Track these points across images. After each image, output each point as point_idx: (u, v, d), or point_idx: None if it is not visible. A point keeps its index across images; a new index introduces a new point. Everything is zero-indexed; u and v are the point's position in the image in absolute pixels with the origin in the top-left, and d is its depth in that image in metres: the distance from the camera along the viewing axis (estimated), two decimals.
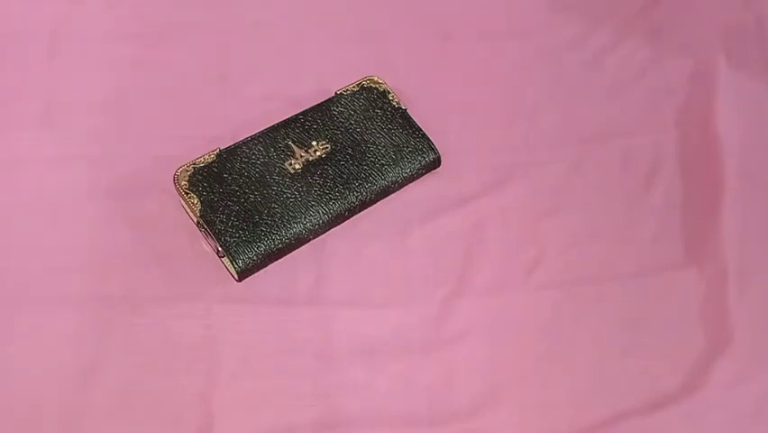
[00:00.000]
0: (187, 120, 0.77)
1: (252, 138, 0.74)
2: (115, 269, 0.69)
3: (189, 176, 0.70)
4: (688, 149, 0.79)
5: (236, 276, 0.69)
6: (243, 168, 0.72)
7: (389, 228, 0.73)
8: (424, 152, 0.75)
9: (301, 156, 0.74)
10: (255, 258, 0.68)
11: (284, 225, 0.70)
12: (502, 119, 0.81)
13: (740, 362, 0.66)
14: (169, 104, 0.77)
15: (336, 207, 0.71)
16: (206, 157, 0.72)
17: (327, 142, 0.75)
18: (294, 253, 0.71)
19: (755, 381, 0.66)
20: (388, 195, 0.74)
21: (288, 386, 0.65)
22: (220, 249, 0.68)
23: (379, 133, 0.76)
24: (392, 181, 0.74)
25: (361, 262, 0.71)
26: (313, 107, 0.77)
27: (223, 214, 0.69)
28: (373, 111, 0.77)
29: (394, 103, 0.78)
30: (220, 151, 0.73)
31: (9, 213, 0.71)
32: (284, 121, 0.76)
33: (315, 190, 0.71)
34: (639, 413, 0.64)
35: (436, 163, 0.76)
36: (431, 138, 0.76)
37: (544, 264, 0.71)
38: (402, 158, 0.75)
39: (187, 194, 0.69)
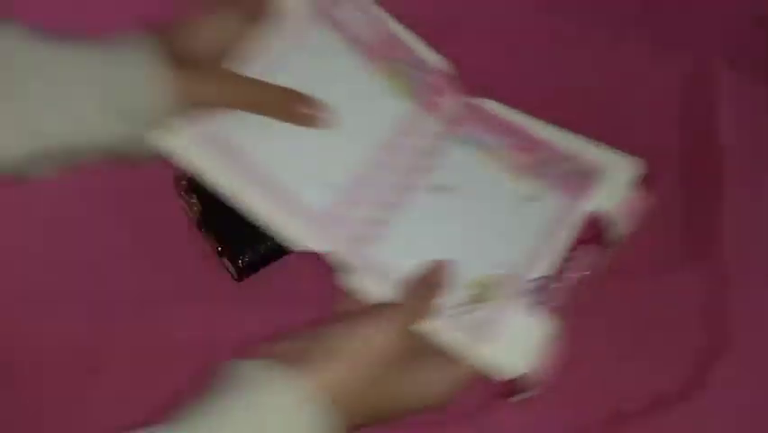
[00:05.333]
0: None
1: None
2: (115, 269, 0.69)
3: (189, 176, 0.70)
4: (688, 149, 0.79)
5: (236, 276, 0.69)
6: None
7: None
8: None
9: None
10: (255, 258, 0.68)
11: None
12: None
13: (740, 362, 0.66)
14: None
15: None
16: None
17: None
18: (294, 252, 0.70)
19: (755, 381, 0.66)
20: None
21: None
22: (219, 249, 0.68)
23: None
24: None
25: None
26: None
27: (222, 214, 0.69)
28: None
29: None
30: None
31: (8, 212, 0.71)
32: None
33: None
34: (639, 413, 0.64)
35: None
36: None
37: None
38: None
39: (187, 194, 0.69)
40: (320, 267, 0.70)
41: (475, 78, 0.83)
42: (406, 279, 0.45)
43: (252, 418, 0.38)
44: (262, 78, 0.45)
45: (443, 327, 0.44)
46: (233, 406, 0.39)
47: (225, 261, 0.69)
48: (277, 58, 0.46)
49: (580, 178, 0.48)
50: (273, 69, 0.45)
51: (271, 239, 0.69)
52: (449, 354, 0.45)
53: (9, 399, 0.63)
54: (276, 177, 0.45)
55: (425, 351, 0.45)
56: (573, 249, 0.47)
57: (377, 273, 0.46)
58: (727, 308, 0.69)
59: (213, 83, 0.44)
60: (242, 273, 0.69)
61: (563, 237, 0.46)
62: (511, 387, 0.46)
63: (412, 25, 0.85)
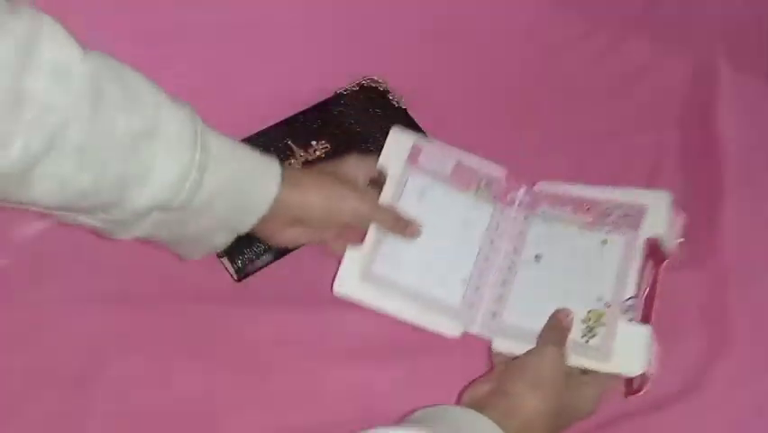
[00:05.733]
0: None
1: (252, 138, 0.74)
2: (115, 269, 0.69)
3: None
4: (688, 148, 0.79)
5: (236, 276, 0.69)
6: None
7: None
8: None
9: (301, 156, 0.73)
10: (254, 258, 0.68)
11: None
12: (503, 119, 0.81)
13: (740, 362, 0.66)
14: None
15: None
16: None
17: (327, 142, 0.74)
18: (294, 252, 0.71)
19: (755, 381, 0.66)
20: None
21: (288, 386, 0.65)
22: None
23: (379, 132, 0.76)
24: None
25: None
26: (313, 107, 0.77)
27: None
28: (373, 111, 0.77)
29: (394, 103, 0.78)
30: None
31: (9, 213, 0.71)
32: (284, 120, 0.76)
33: None
34: (639, 413, 0.64)
35: None
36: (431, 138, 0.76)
37: None
38: None
39: None
40: (318, 267, 0.71)
41: (475, 77, 0.83)
42: (545, 325, 0.59)
43: None
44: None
45: (576, 355, 0.58)
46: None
47: (225, 261, 0.69)
48: (393, 198, 0.63)
49: (631, 217, 0.61)
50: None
51: None
52: (591, 374, 0.57)
53: (7, 391, 0.63)
54: (424, 292, 0.61)
55: (574, 374, 0.58)
56: (644, 269, 0.60)
57: (514, 334, 0.60)
58: (727, 308, 0.69)
59: (365, 200, 0.62)
60: (242, 273, 0.68)
61: (636, 263, 0.59)
62: (633, 385, 0.58)
63: (418, 25, 0.85)
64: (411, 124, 0.76)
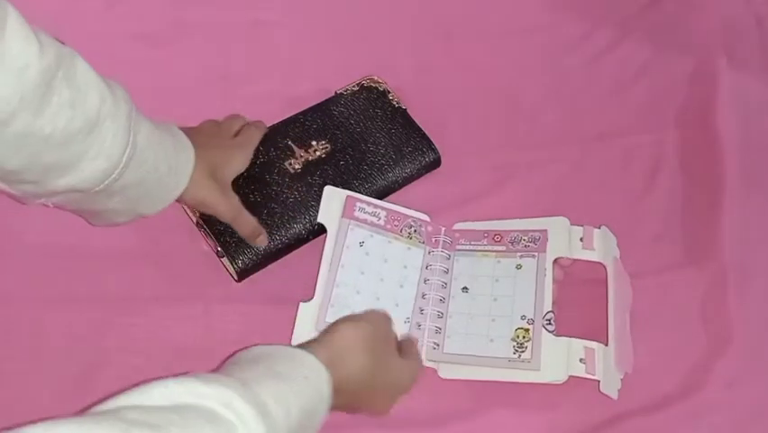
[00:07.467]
0: (187, 120, 0.76)
1: None
2: (115, 269, 0.69)
3: None
4: (688, 148, 0.79)
5: (236, 276, 0.69)
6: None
7: None
8: (424, 152, 0.75)
9: (301, 156, 0.73)
10: (255, 258, 0.68)
11: (284, 225, 0.69)
12: (502, 119, 0.81)
13: (740, 362, 0.66)
14: (168, 103, 0.77)
15: None
16: None
17: (327, 142, 0.74)
18: (294, 252, 0.71)
19: (755, 381, 0.66)
20: (388, 195, 0.74)
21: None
22: (219, 249, 0.68)
23: (379, 132, 0.76)
24: (392, 181, 0.74)
25: None
26: (313, 107, 0.77)
27: None
28: (373, 111, 0.77)
29: (394, 103, 0.77)
30: None
31: (9, 212, 0.71)
32: (284, 121, 0.75)
33: (315, 190, 0.71)
34: (639, 413, 0.64)
35: (436, 163, 0.76)
36: (431, 138, 0.76)
37: None
38: (402, 158, 0.75)
39: None
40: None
41: (475, 77, 0.83)
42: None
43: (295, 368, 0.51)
44: (332, 269, 0.67)
45: (509, 370, 0.63)
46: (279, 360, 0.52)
47: (225, 261, 0.69)
48: (335, 252, 0.68)
49: (536, 242, 0.69)
50: (335, 262, 0.68)
51: (271, 239, 0.69)
52: (411, 357, 0.62)
53: (7, 391, 0.63)
54: None
55: (401, 355, 0.61)
56: (554, 284, 0.67)
57: (456, 361, 0.66)
58: (727, 308, 0.69)
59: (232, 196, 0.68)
60: (242, 273, 0.68)
61: (548, 282, 0.66)
62: None
63: (418, 25, 0.85)
64: (411, 124, 0.76)
